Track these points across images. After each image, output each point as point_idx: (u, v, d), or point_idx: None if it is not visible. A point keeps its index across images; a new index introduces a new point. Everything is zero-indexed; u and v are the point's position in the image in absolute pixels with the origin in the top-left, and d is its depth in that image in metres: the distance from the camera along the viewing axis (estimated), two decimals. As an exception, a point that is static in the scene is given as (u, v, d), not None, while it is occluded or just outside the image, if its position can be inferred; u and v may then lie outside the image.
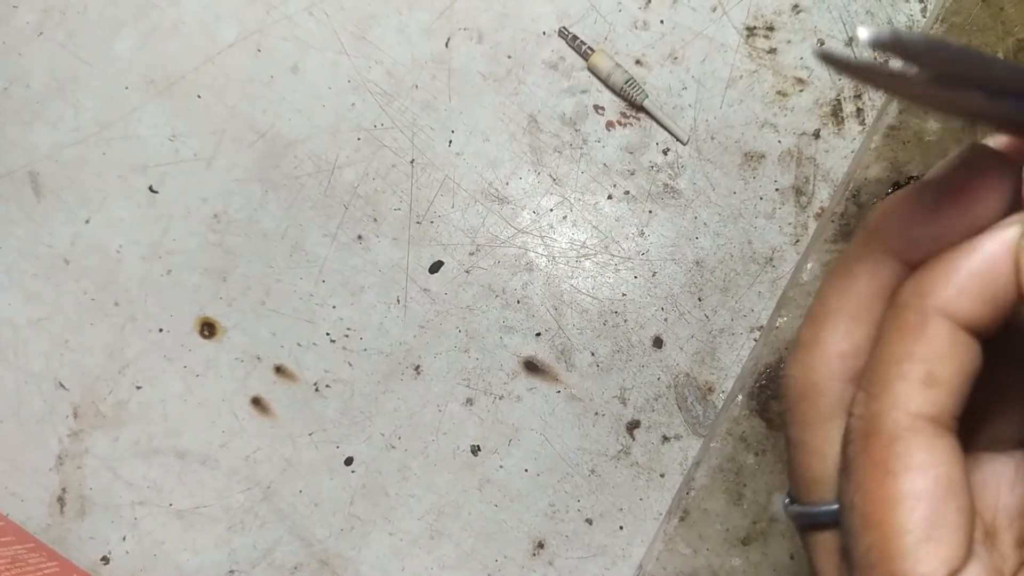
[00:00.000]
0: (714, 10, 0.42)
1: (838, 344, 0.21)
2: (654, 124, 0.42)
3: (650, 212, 0.42)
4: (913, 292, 0.19)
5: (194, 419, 0.42)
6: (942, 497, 0.18)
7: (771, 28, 0.42)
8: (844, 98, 0.42)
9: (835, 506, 0.21)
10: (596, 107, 0.42)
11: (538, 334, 0.42)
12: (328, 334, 0.42)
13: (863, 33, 0.16)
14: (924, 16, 0.42)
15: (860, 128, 0.42)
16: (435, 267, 0.42)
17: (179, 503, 0.41)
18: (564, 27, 0.42)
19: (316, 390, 0.42)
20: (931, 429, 0.19)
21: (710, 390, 0.41)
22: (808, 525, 0.22)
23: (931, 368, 0.19)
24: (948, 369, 0.19)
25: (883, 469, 0.19)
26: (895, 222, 0.20)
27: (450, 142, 0.42)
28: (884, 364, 0.19)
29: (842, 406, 0.21)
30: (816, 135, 0.42)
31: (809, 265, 0.40)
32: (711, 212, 0.42)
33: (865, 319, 0.21)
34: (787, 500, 0.23)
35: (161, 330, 0.42)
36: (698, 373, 0.41)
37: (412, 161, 0.42)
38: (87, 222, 0.42)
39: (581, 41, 0.42)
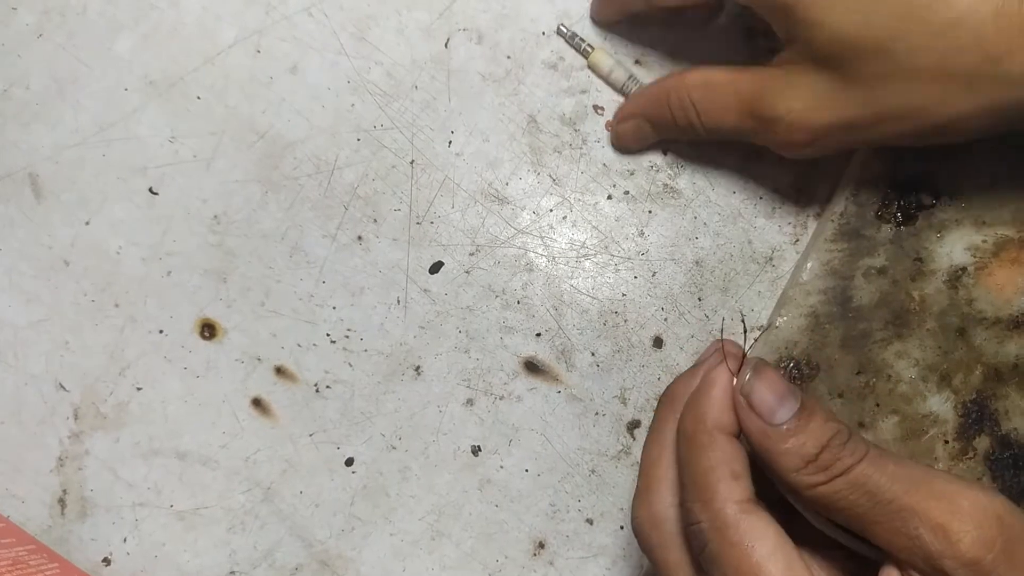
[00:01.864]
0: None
1: (666, 489, 0.30)
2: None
3: (650, 212, 0.42)
4: (693, 422, 0.29)
5: (194, 420, 0.42)
6: (784, 548, 0.26)
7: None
8: (843, 98, 0.42)
9: None
10: (596, 107, 0.42)
11: (538, 334, 0.42)
12: (328, 335, 0.42)
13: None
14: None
15: (859, 128, 0.41)
16: (435, 268, 0.42)
17: (180, 504, 0.41)
18: (563, 24, 0.42)
19: (316, 391, 0.42)
20: (752, 507, 0.27)
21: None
22: None
23: (732, 467, 0.27)
24: (740, 464, 0.28)
25: (741, 548, 0.26)
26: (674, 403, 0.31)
27: (450, 143, 0.42)
28: (701, 477, 0.28)
29: (678, 530, 0.30)
30: (815, 135, 0.41)
31: (809, 265, 0.40)
32: (711, 212, 0.42)
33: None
34: None
35: (161, 331, 0.42)
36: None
37: (412, 162, 0.42)
38: (87, 223, 0.42)
39: (580, 39, 0.41)
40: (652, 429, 0.32)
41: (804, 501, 0.28)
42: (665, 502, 0.30)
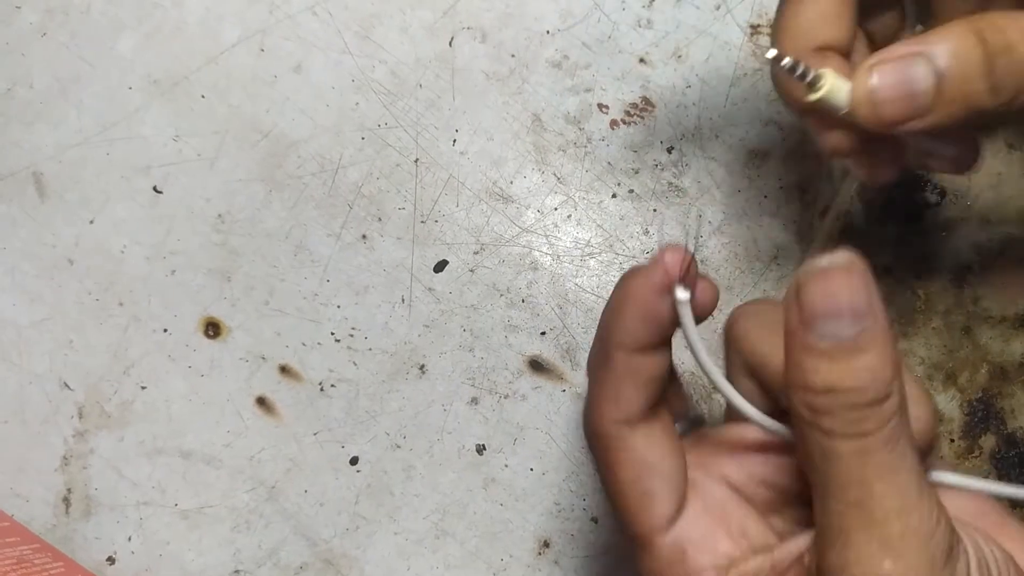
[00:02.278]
0: (718, 8, 0.42)
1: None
2: (658, 122, 0.42)
3: (655, 210, 0.42)
4: (601, 338, 0.27)
5: (199, 419, 0.42)
6: (646, 477, 0.26)
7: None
8: (848, 96, 0.42)
9: None
10: (600, 105, 0.42)
11: (543, 333, 0.42)
12: (333, 334, 0.42)
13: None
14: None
15: (864, 126, 0.41)
16: (440, 266, 0.42)
17: (184, 503, 0.41)
18: (782, 59, 0.27)
19: (321, 390, 0.42)
20: (625, 430, 0.26)
21: (715, 388, 0.41)
22: None
23: (617, 389, 0.26)
24: (628, 388, 0.26)
25: (605, 464, 0.27)
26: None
27: (454, 141, 0.42)
28: (593, 390, 0.27)
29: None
30: (820, 133, 0.41)
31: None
32: (715, 210, 0.42)
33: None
34: None
35: (165, 330, 0.42)
36: (702, 372, 0.41)
37: (416, 160, 0.42)
38: (91, 222, 0.42)
39: (806, 68, 0.27)
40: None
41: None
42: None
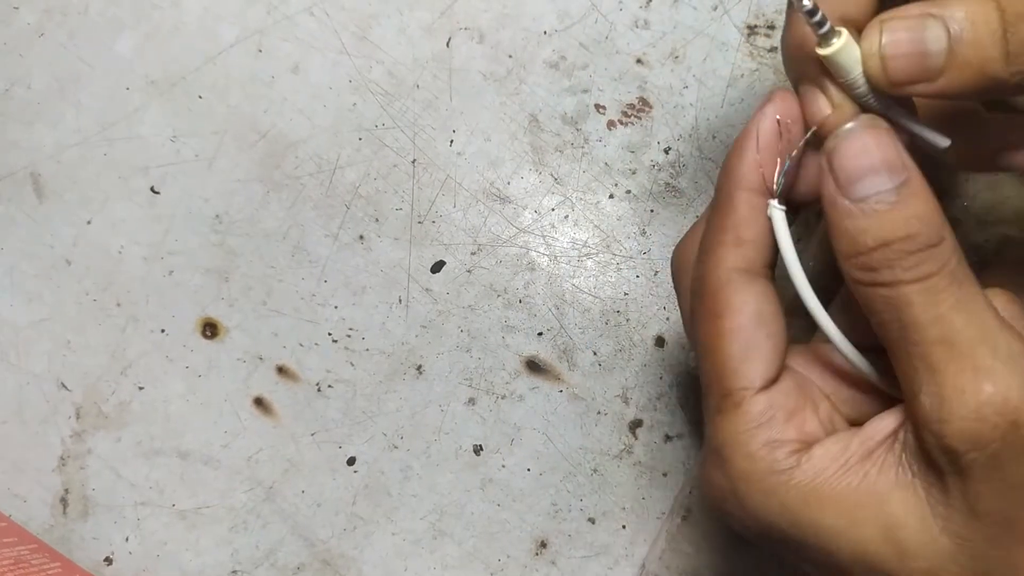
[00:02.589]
0: (715, 9, 0.42)
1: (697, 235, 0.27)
2: (655, 123, 0.42)
3: (652, 211, 0.42)
4: (722, 177, 0.26)
5: (196, 419, 0.42)
6: (753, 328, 0.24)
7: (772, 27, 0.42)
8: (845, 96, 0.42)
9: None
10: (597, 106, 0.42)
11: (540, 333, 0.42)
12: (330, 334, 0.42)
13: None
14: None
15: (861, 126, 0.41)
16: (437, 267, 0.42)
17: (182, 503, 0.41)
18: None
19: (318, 390, 0.42)
20: (743, 278, 0.25)
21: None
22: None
23: (738, 232, 0.25)
24: (752, 231, 0.25)
25: (712, 312, 0.25)
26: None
27: (451, 142, 0.42)
28: (708, 236, 0.26)
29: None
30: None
31: (812, 263, 0.40)
32: (713, 211, 0.42)
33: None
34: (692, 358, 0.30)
35: (163, 331, 0.42)
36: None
37: (414, 161, 0.42)
38: (89, 223, 0.42)
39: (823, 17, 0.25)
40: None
41: (852, 295, 0.24)
42: (694, 249, 0.27)
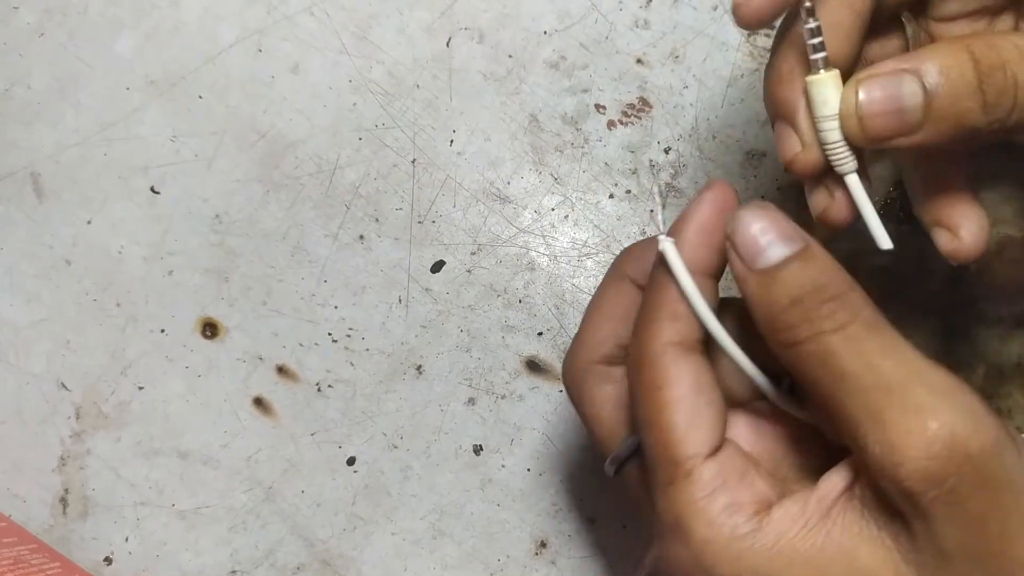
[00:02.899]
0: (715, 8, 0.42)
1: (597, 334, 0.29)
2: (655, 122, 0.42)
3: (652, 211, 0.42)
4: (656, 263, 0.26)
5: (196, 419, 0.42)
6: (694, 397, 0.24)
7: (773, 27, 0.42)
8: (845, 96, 0.42)
9: (632, 437, 0.28)
10: (597, 106, 0.42)
11: (540, 333, 0.42)
12: (330, 334, 0.42)
13: None
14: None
15: (862, 126, 0.41)
16: (437, 267, 0.42)
17: (181, 504, 0.41)
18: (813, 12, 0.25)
19: (318, 390, 0.42)
20: (679, 351, 0.25)
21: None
22: (621, 463, 0.28)
23: (673, 307, 0.25)
24: (685, 307, 0.25)
25: (652, 384, 0.25)
26: (632, 258, 0.30)
27: (451, 142, 0.42)
28: (644, 312, 0.26)
29: (604, 376, 0.29)
30: (817, 133, 0.42)
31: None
32: (713, 211, 0.42)
33: (611, 317, 0.29)
34: (607, 466, 0.29)
35: (163, 331, 0.42)
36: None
37: (413, 161, 0.42)
38: (88, 223, 0.42)
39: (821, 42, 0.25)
40: (601, 285, 0.31)
41: (780, 361, 0.24)
42: (593, 352, 0.29)
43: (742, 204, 0.25)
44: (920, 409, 0.22)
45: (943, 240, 0.29)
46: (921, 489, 0.21)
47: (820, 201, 0.29)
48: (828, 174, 0.28)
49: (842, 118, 0.25)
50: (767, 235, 0.24)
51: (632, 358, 0.26)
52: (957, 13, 0.29)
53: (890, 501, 0.22)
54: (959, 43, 0.25)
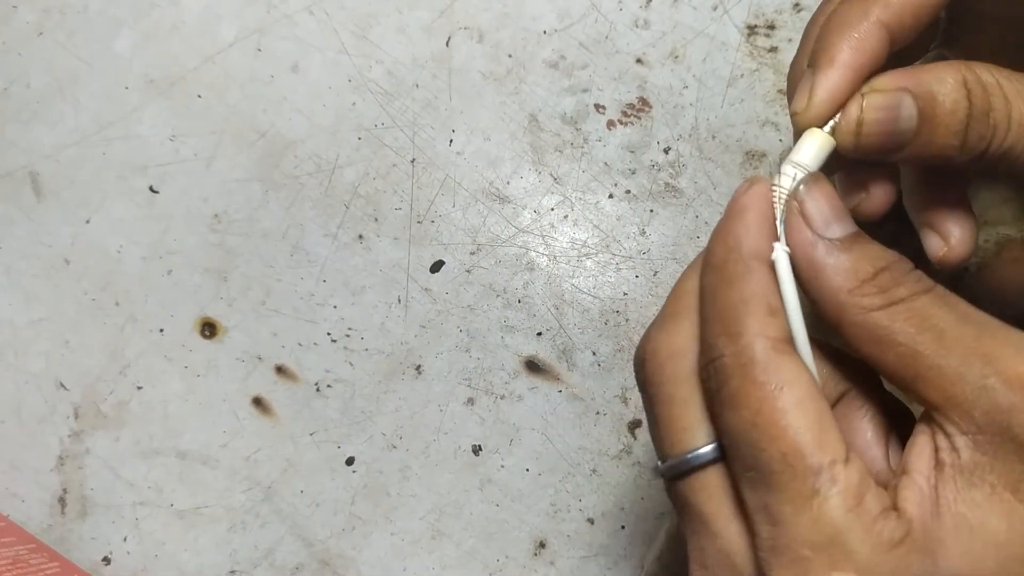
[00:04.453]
0: (715, 8, 0.42)
1: (694, 321, 0.26)
2: (655, 122, 0.42)
3: (651, 211, 0.42)
4: (724, 249, 0.24)
5: (195, 419, 0.42)
6: (818, 398, 0.23)
7: (772, 26, 0.42)
8: (845, 96, 0.42)
9: (711, 445, 0.25)
10: (597, 106, 0.42)
11: (539, 333, 0.42)
12: (329, 334, 0.42)
13: None
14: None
15: (861, 127, 0.41)
16: (436, 267, 0.42)
17: (180, 503, 0.41)
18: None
19: (317, 390, 0.42)
20: (787, 348, 0.23)
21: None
22: (687, 472, 0.25)
23: (769, 301, 0.23)
24: (778, 300, 0.24)
25: (767, 389, 0.22)
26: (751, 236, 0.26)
27: (451, 141, 0.42)
28: (731, 309, 0.24)
29: (694, 368, 0.25)
30: (817, 134, 0.41)
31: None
32: (712, 211, 0.42)
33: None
34: (659, 462, 0.26)
35: (162, 330, 0.42)
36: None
37: (413, 160, 0.42)
38: (87, 222, 0.42)
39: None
40: (690, 264, 0.27)
41: (850, 335, 0.23)
42: (687, 333, 0.26)
43: (799, 180, 0.25)
44: (1021, 347, 0.22)
45: (934, 246, 0.30)
46: None
47: (854, 194, 0.29)
48: (861, 168, 0.28)
49: (839, 129, 0.26)
50: (834, 202, 0.24)
51: (724, 363, 0.24)
52: (997, 16, 0.30)
53: (998, 432, 0.22)
54: (958, 74, 0.25)
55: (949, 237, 0.29)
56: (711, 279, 0.25)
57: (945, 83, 0.25)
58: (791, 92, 0.29)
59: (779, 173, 0.26)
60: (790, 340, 0.24)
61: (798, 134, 0.27)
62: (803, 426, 0.22)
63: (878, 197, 0.29)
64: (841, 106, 0.26)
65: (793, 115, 0.27)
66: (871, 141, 0.26)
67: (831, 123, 0.26)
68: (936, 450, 0.23)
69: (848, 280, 0.23)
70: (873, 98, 0.25)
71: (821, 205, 0.24)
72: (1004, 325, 0.23)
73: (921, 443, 0.23)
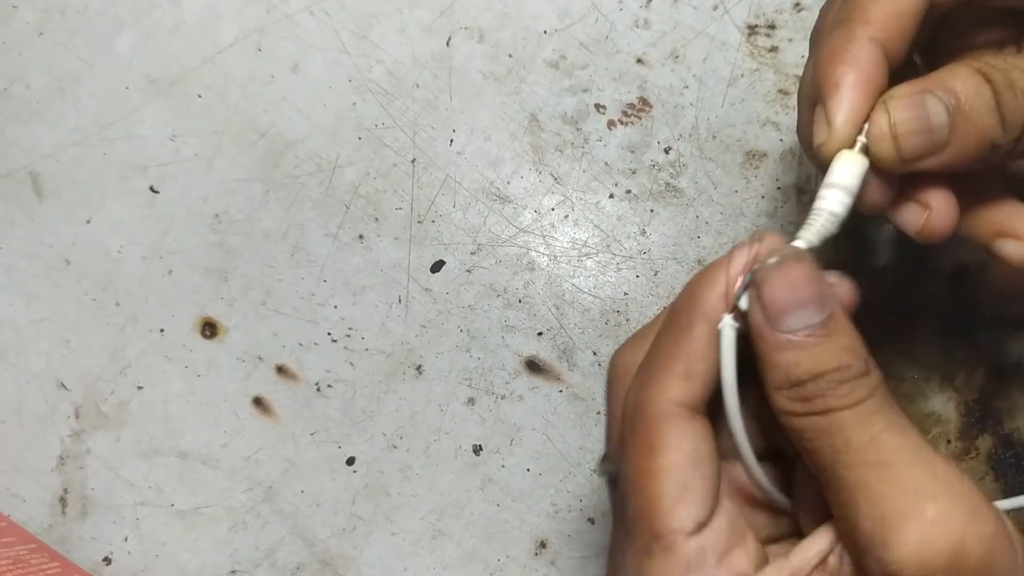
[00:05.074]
0: (715, 8, 0.42)
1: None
2: (655, 122, 0.42)
3: (652, 211, 0.42)
4: (687, 298, 0.25)
5: (195, 419, 0.42)
6: (690, 468, 0.23)
7: (772, 26, 0.42)
8: (846, 96, 0.42)
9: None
10: (597, 106, 0.42)
11: (540, 333, 0.42)
12: (330, 334, 0.42)
13: None
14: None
15: (862, 126, 0.41)
16: (436, 266, 0.42)
17: (181, 503, 0.41)
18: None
19: (318, 390, 0.42)
20: (685, 413, 0.24)
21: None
22: (615, 479, 0.26)
23: (690, 365, 0.24)
24: (704, 366, 0.24)
25: (646, 445, 0.23)
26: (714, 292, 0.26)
27: (451, 141, 0.42)
28: (655, 360, 0.24)
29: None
30: (818, 133, 0.41)
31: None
32: (713, 211, 0.42)
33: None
34: (601, 458, 0.27)
35: (162, 330, 0.42)
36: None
37: (413, 160, 0.42)
38: (88, 222, 0.42)
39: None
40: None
41: (781, 423, 0.24)
42: (636, 361, 0.26)
43: (775, 249, 0.24)
44: (919, 491, 0.21)
45: (912, 216, 0.28)
46: (908, 575, 0.21)
47: (915, 216, 0.27)
48: (915, 186, 0.27)
49: (874, 141, 0.25)
50: (799, 292, 0.23)
51: (633, 407, 0.24)
52: (971, 46, 0.29)
53: None
54: (967, 66, 0.25)
55: (930, 202, 0.27)
56: (666, 321, 0.25)
57: (959, 76, 0.25)
58: (805, 140, 0.27)
59: (817, 197, 0.26)
60: (700, 405, 0.24)
61: (824, 168, 0.26)
62: (662, 492, 0.23)
63: (943, 210, 0.27)
64: (863, 121, 0.25)
65: (818, 148, 0.26)
66: (910, 143, 0.25)
67: (859, 145, 0.25)
68: (827, 550, 0.23)
69: (780, 379, 0.23)
70: (896, 102, 0.25)
71: (781, 295, 0.23)
72: (923, 461, 0.22)
73: (817, 538, 0.24)
